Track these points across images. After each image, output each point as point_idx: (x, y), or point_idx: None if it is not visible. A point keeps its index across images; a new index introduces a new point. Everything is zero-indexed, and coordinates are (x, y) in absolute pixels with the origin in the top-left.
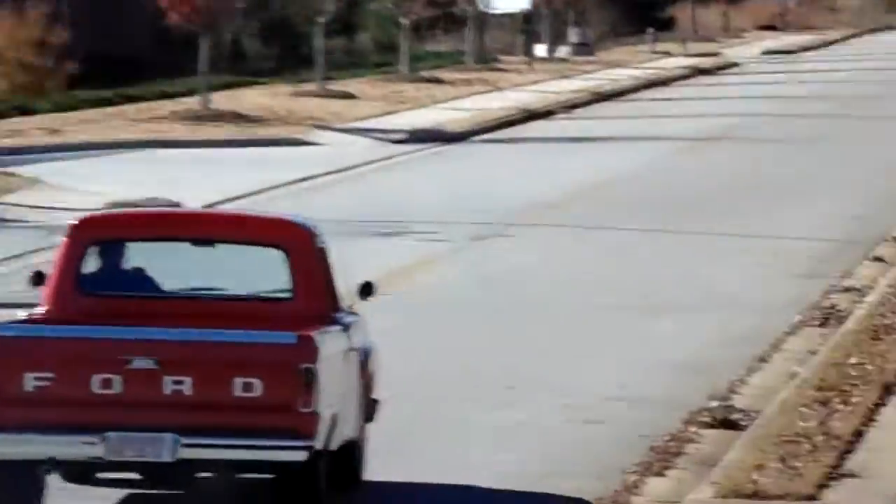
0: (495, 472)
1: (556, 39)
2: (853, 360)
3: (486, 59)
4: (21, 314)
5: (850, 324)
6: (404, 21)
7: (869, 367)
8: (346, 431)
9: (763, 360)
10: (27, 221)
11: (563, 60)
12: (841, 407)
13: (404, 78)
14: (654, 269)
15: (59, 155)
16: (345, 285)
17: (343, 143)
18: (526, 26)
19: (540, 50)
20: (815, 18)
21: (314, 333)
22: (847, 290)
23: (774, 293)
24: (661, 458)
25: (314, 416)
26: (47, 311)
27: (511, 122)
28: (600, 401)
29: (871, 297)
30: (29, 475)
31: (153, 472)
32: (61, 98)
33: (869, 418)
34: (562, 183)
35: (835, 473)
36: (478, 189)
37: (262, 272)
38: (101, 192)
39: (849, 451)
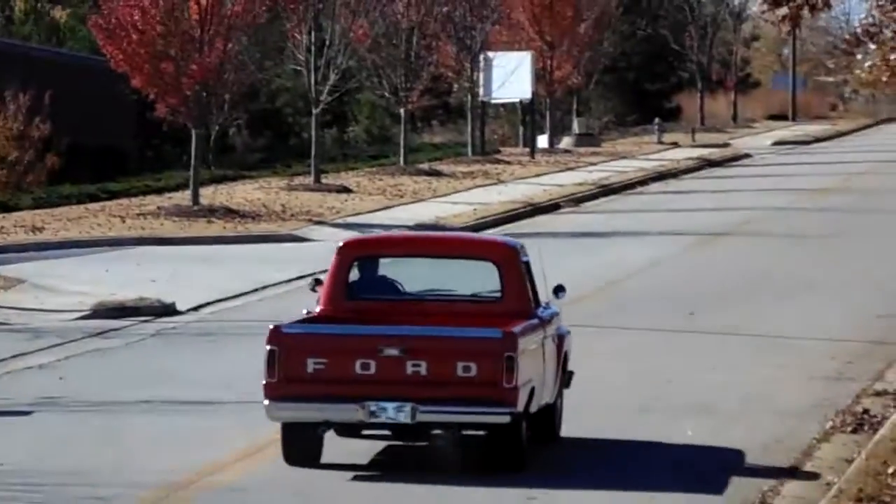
0: None
1: (559, 130)
2: (892, 469)
3: (486, 151)
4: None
5: (884, 430)
6: (401, 111)
7: None
8: (544, 398)
9: (795, 468)
10: (10, 324)
11: (566, 152)
12: None
13: (401, 170)
14: (672, 370)
15: (42, 253)
16: (544, 288)
17: (341, 238)
18: (527, 116)
19: (542, 141)
20: (826, 107)
21: (515, 329)
22: (878, 393)
23: (800, 396)
24: None
25: (515, 390)
26: (322, 311)
27: (515, 216)
28: None
29: None
30: (311, 432)
31: (399, 430)
32: (43, 193)
33: None
34: (571, 280)
35: None
36: None
37: (479, 280)
38: (86, 292)
39: None
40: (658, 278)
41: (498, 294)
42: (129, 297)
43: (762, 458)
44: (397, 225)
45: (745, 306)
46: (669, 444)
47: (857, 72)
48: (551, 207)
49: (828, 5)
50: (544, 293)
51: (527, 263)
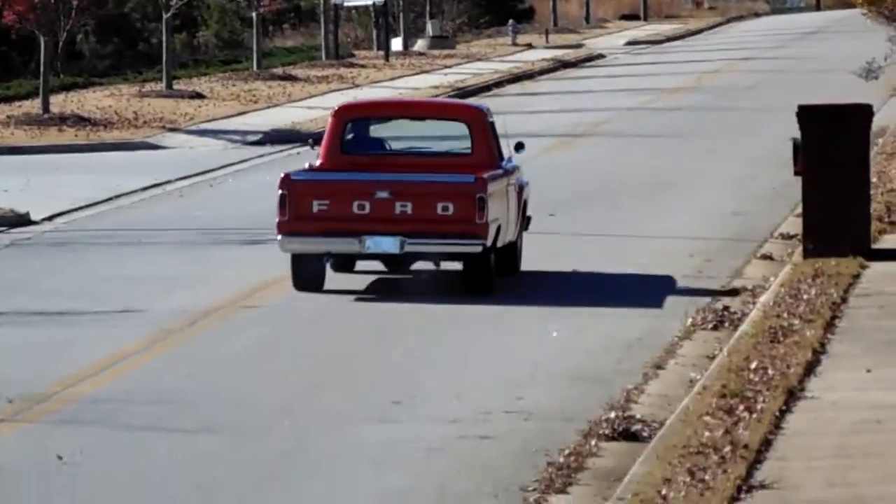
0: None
1: (413, 32)
2: (753, 365)
3: (340, 55)
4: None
5: (745, 326)
6: (252, 14)
7: (770, 371)
8: (508, 236)
9: (659, 366)
10: None
11: (420, 54)
12: (746, 415)
13: (255, 76)
14: (535, 271)
15: None
16: (506, 145)
17: (195, 145)
18: (380, 19)
19: (396, 44)
20: (676, 7)
21: (485, 175)
22: (737, 290)
23: (661, 295)
24: (562, 473)
25: (485, 225)
26: (321, 164)
27: None
28: (493, 415)
29: (764, 298)
30: (316, 263)
31: (389, 261)
32: None
33: (776, 426)
34: None
35: (746, 485)
36: None
37: (453, 137)
38: None
39: (759, 462)
40: None
41: (468, 149)
42: None
43: (626, 357)
44: (253, 131)
45: (603, 207)
46: (535, 344)
47: None
48: None
49: None
50: (507, 150)
51: (492, 124)
